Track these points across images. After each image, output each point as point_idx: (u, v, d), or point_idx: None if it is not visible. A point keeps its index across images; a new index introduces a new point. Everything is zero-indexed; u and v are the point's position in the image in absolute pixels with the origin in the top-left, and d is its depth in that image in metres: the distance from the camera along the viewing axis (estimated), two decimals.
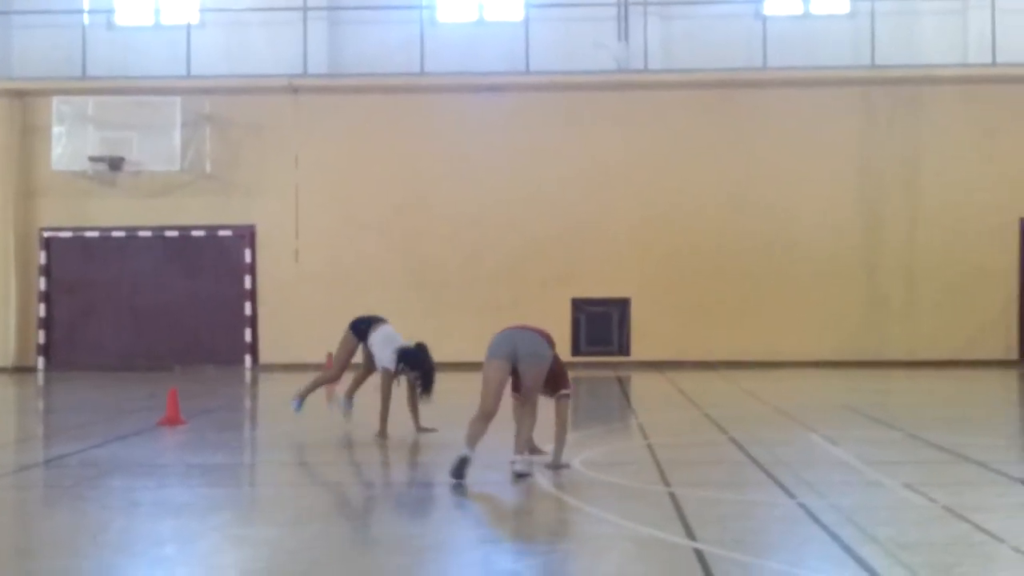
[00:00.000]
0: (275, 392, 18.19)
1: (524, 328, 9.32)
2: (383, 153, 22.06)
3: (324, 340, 20.71)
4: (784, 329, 21.56)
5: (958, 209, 21.51)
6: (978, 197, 21.46)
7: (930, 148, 21.68)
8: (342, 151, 22.12)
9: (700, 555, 6.27)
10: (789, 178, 21.70)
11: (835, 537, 6.69)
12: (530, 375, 9.01)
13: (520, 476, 8.77)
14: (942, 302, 21.53)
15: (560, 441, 9.25)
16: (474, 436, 8.82)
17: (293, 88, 22.05)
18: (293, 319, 21.87)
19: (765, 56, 21.86)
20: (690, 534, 6.83)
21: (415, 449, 10.80)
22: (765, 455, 9.76)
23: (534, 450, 9.30)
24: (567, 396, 9.29)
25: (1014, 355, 21.47)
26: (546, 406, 9.25)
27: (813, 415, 13.11)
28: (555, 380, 9.21)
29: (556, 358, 9.23)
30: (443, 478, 8.88)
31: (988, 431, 12.27)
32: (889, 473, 8.87)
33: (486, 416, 8.88)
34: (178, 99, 21.52)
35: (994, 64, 21.63)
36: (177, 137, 21.50)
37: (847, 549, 6.39)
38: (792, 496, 8.02)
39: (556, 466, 9.17)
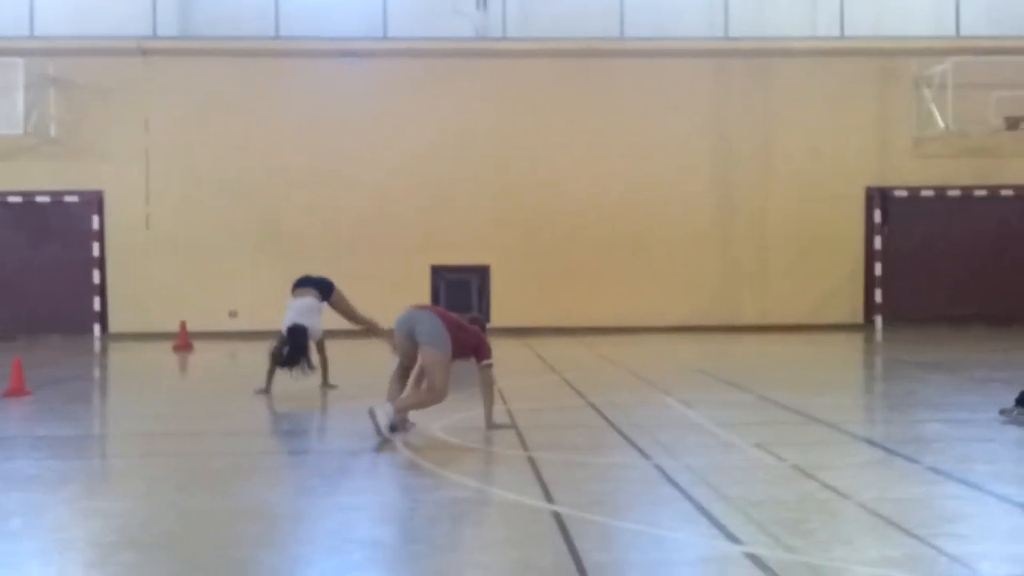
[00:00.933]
0: (125, 361, 17.73)
1: (422, 309, 9.49)
2: (237, 118, 21.61)
3: (177, 308, 20.37)
4: (641, 295, 21.89)
5: (808, 177, 22.11)
6: (827, 166, 22.10)
7: (781, 118, 22.20)
8: (194, 115, 21.59)
9: (558, 517, 6.32)
10: (645, 147, 21.99)
11: (689, 497, 6.82)
12: (425, 358, 9.14)
13: (376, 423, 8.80)
14: (792, 268, 22.14)
15: (488, 405, 9.33)
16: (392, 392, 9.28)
17: (142, 50, 21.42)
18: (144, 287, 21.33)
19: (622, 26, 22.06)
20: (548, 497, 6.88)
21: (278, 419, 10.63)
22: (622, 419, 9.89)
23: (404, 421, 9.23)
24: (489, 366, 9.34)
25: (860, 319, 22.22)
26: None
27: (668, 379, 13.35)
28: (476, 352, 9.29)
29: (474, 332, 9.30)
30: (299, 446, 8.77)
31: (835, 392, 12.68)
32: (741, 434, 9.08)
33: (403, 370, 9.38)
34: (21, 61, 20.67)
35: (842, 37, 22.25)
36: (20, 100, 20.66)
37: (700, 508, 6.52)
38: (648, 458, 8.15)
39: (493, 426, 9.27)
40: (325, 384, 12.48)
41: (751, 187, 22.29)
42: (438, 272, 21.81)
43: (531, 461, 8.07)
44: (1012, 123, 21.53)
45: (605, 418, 10.06)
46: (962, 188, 22.24)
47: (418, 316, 9.32)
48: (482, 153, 21.82)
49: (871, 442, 9.04)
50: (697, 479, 7.36)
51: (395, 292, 18.76)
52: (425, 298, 21.23)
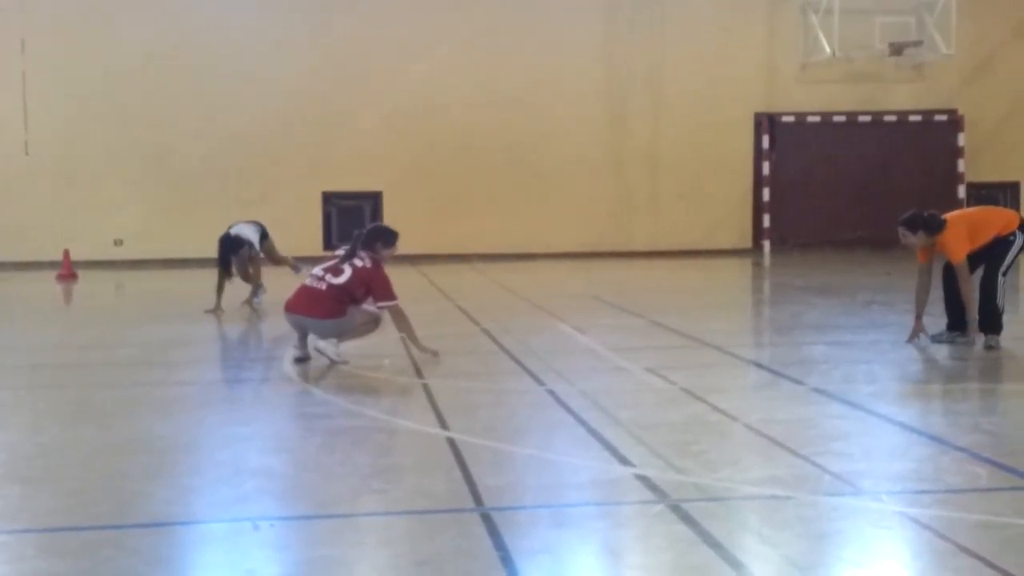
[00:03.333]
0: (6, 292, 17.25)
1: (296, 314, 9.02)
2: (119, 39, 20.89)
3: (59, 236, 19.80)
4: (535, 222, 21.92)
5: (698, 103, 22.24)
6: (716, 92, 22.24)
7: (672, 43, 22.23)
8: (74, 36, 20.82)
9: (452, 443, 6.35)
10: (538, 72, 21.87)
11: (581, 421, 6.90)
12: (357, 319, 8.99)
13: (327, 355, 8.77)
14: (684, 194, 22.34)
15: (410, 336, 9.05)
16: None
17: None
18: (25, 215, 20.66)
19: None
20: (443, 424, 6.90)
21: (168, 348, 10.46)
22: (516, 345, 9.95)
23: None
24: (387, 308, 9.00)
25: (748, 244, 22.59)
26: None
27: (562, 305, 13.43)
28: (371, 295, 8.96)
29: (366, 276, 8.87)
30: (191, 376, 8.67)
31: (724, 316, 12.92)
32: (632, 359, 9.20)
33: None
34: None
35: None
36: None
37: (592, 432, 6.60)
38: (541, 383, 8.22)
39: (423, 350, 9.03)
40: (248, 301, 12.92)
41: (643, 112, 22.37)
42: (329, 199, 21.55)
43: (425, 388, 8.08)
44: (896, 49, 21.89)
45: (499, 344, 10.11)
46: (847, 114, 22.59)
47: (305, 324, 8.96)
48: (372, 76, 21.47)
49: (759, 365, 9.25)
50: (589, 404, 7.45)
51: (286, 219, 18.49)
52: (316, 225, 21.05)
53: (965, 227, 9.37)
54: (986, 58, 22.79)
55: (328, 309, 8.87)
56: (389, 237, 9.25)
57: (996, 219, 9.58)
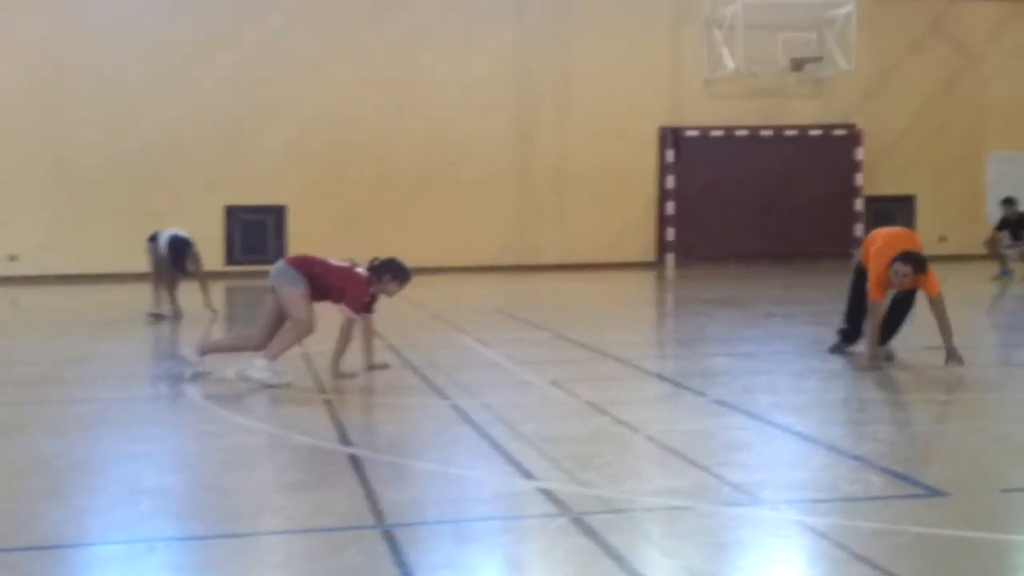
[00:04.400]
0: None
1: (284, 259, 9.23)
2: (18, 47, 20.43)
3: None
4: (442, 235, 21.87)
5: (604, 118, 22.42)
6: (622, 106, 22.44)
7: (578, 59, 22.40)
8: None
9: (355, 459, 6.29)
10: (446, 86, 21.88)
11: (485, 435, 6.88)
12: (282, 299, 8.84)
13: (258, 381, 8.54)
14: (590, 207, 22.49)
15: (337, 353, 8.96)
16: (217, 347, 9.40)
17: None
18: None
19: None
20: (345, 439, 6.84)
21: (65, 365, 10.22)
22: (420, 359, 9.91)
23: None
24: (347, 315, 8.90)
25: (652, 256, 22.81)
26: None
27: (467, 319, 13.43)
28: (343, 298, 8.89)
29: (352, 278, 8.91)
30: (87, 394, 8.48)
31: (628, 329, 13.01)
32: (537, 372, 9.22)
33: (244, 338, 9.24)
34: None
35: None
36: None
37: (496, 446, 6.59)
38: (445, 398, 8.19)
39: (337, 374, 8.90)
40: (207, 305, 13.69)
41: (550, 126, 22.49)
42: (233, 212, 21.27)
43: (327, 404, 8.01)
44: (797, 64, 22.32)
45: (403, 358, 10.05)
46: (750, 128, 22.96)
47: (273, 268, 9.10)
48: (278, 87, 21.28)
49: (661, 377, 9.33)
50: (493, 417, 7.44)
51: (188, 233, 18.19)
52: (218, 239, 20.76)
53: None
54: (884, 73, 23.34)
55: (302, 262, 8.99)
56: (402, 274, 9.25)
57: (913, 237, 9.64)
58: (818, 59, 22.39)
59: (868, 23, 22.45)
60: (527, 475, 5.95)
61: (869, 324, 9.28)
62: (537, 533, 5.07)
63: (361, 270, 9.08)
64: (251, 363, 8.70)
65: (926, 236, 23.20)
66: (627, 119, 22.50)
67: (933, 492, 5.52)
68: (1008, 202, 18.07)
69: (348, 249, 21.15)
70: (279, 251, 21.43)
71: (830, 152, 23.20)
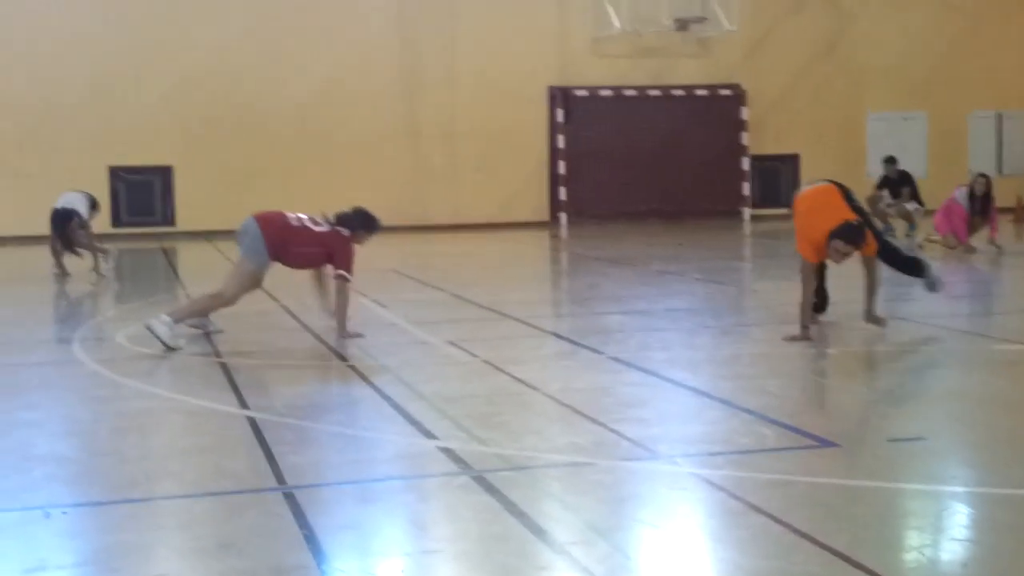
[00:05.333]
0: None
1: (258, 216, 9.06)
2: None
3: None
4: (332, 195, 21.30)
5: (493, 77, 22.38)
6: (511, 65, 22.43)
7: (465, 17, 22.27)
8: None
9: (253, 423, 6.24)
10: (331, 43, 21.60)
11: (385, 396, 6.88)
12: (237, 262, 8.89)
13: (158, 336, 8.37)
14: (481, 167, 22.47)
15: (339, 316, 8.92)
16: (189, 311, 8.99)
17: None
18: None
19: None
20: (243, 403, 6.78)
21: None
22: (317, 321, 9.82)
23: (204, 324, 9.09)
24: (340, 277, 8.86)
25: (546, 216, 22.92)
26: None
27: (363, 280, 13.22)
28: (330, 260, 8.93)
29: (331, 239, 8.89)
30: None
31: (523, 288, 13.08)
32: (434, 332, 9.23)
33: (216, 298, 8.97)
34: None
35: None
36: None
37: (396, 407, 6.60)
38: (343, 359, 8.16)
39: (346, 335, 8.83)
40: (96, 268, 13.74)
41: (438, 85, 22.37)
42: (116, 173, 20.77)
43: (224, 367, 7.91)
44: (682, 24, 22.52)
45: (299, 321, 9.98)
46: (638, 87, 23.14)
47: (244, 226, 8.95)
48: (158, 43, 20.71)
49: (558, 335, 9.40)
50: (393, 378, 7.44)
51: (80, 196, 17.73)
52: (103, 200, 20.26)
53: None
54: (766, 34, 23.69)
55: (279, 236, 8.79)
56: (373, 225, 9.19)
57: (835, 199, 8.93)
58: (702, 19, 22.62)
59: None
60: (428, 435, 5.97)
61: (803, 289, 8.59)
62: (439, 492, 5.10)
63: (330, 228, 8.97)
64: (157, 316, 8.58)
65: None
66: (516, 79, 22.50)
67: (824, 443, 5.68)
68: (889, 161, 18.53)
69: (237, 209, 20.92)
70: (167, 213, 21.05)
71: (716, 112, 23.51)
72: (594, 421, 6.19)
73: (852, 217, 8.52)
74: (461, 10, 22.27)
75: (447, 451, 5.64)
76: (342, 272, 8.85)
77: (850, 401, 7.03)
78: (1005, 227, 18.82)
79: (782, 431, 5.93)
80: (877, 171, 19.66)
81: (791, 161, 24.27)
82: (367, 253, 16.39)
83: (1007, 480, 5.09)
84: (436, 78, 22.32)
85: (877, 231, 9.11)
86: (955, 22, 24.48)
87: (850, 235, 8.31)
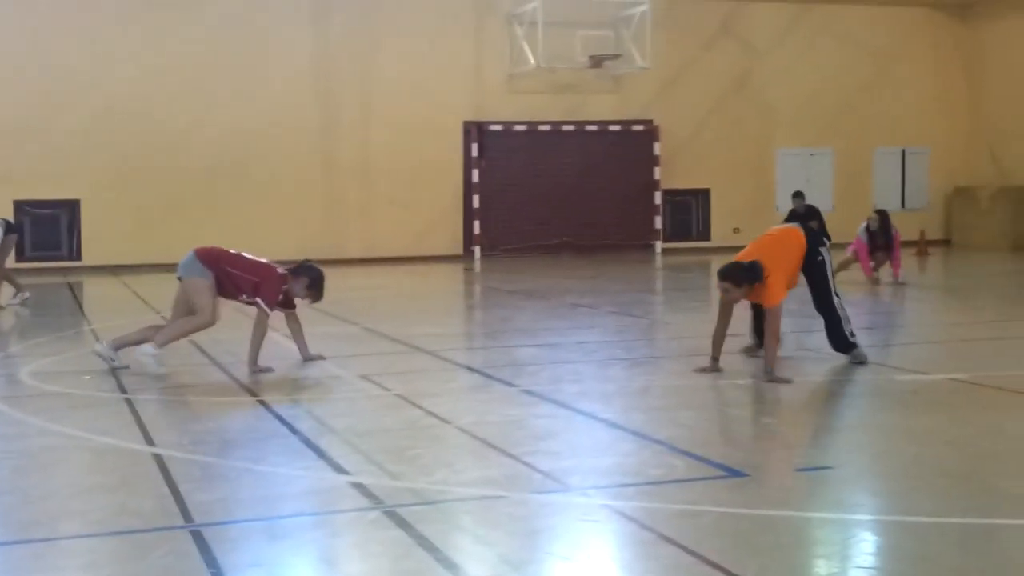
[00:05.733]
0: None
1: (194, 250, 9.17)
2: None
3: None
4: (245, 228, 21.44)
5: (408, 112, 22.42)
6: (426, 100, 22.51)
7: (381, 52, 22.34)
8: None
9: (160, 460, 6.13)
10: (247, 78, 21.49)
11: (295, 431, 6.81)
12: (187, 289, 8.98)
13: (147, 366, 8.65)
14: (396, 201, 22.44)
15: (253, 349, 8.89)
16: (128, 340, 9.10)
17: None
18: None
19: None
20: (148, 439, 6.65)
21: None
22: (225, 355, 9.71)
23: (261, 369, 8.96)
24: (260, 310, 8.90)
25: (459, 249, 22.94)
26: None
27: (274, 314, 13.16)
28: (256, 292, 8.92)
29: (264, 273, 8.96)
30: None
31: (437, 322, 13.05)
32: (346, 366, 9.17)
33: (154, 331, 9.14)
34: None
35: None
36: None
37: (306, 441, 6.53)
38: (253, 395, 8.05)
39: (254, 369, 8.83)
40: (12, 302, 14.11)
41: (354, 119, 22.34)
42: (22, 207, 20.36)
43: (129, 404, 7.76)
44: (596, 61, 22.80)
45: (208, 355, 9.84)
46: (552, 123, 23.33)
47: (182, 259, 9.06)
48: (71, 78, 20.48)
49: (471, 368, 9.39)
50: (303, 413, 7.37)
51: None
52: None
53: (783, 271, 8.48)
54: (679, 71, 24.06)
55: (215, 266, 8.90)
56: (317, 286, 9.19)
57: (788, 242, 8.75)
58: (615, 56, 22.91)
59: (663, 22, 23.12)
60: (339, 470, 5.91)
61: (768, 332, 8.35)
62: (350, 527, 5.05)
63: (267, 261, 9.14)
64: (140, 348, 8.78)
65: (721, 228, 24.28)
66: (432, 114, 22.57)
67: (733, 473, 5.73)
68: (797, 195, 18.88)
69: (147, 244, 20.70)
70: (73, 248, 20.68)
71: (629, 146, 23.80)
72: (506, 454, 6.19)
73: (771, 262, 8.42)
74: (378, 46, 22.29)
75: (358, 486, 5.58)
76: (263, 306, 8.87)
77: (759, 431, 7.11)
78: (909, 260, 19.28)
79: (692, 461, 5.98)
80: (786, 205, 20.01)
81: (703, 195, 24.62)
82: None
83: (912, 508, 5.18)
84: (352, 113, 22.29)
85: (827, 295, 8.83)
86: (862, 62, 25.10)
87: (726, 273, 8.35)
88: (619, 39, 23.07)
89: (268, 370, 8.85)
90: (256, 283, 8.93)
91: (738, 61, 24.60)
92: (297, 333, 9.33)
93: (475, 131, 22.80)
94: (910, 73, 25.54)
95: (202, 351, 10.06)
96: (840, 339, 8.93)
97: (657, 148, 23.76)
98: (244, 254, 9.14)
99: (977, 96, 25.78)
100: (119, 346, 9.04)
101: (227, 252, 9.10)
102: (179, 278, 9.10)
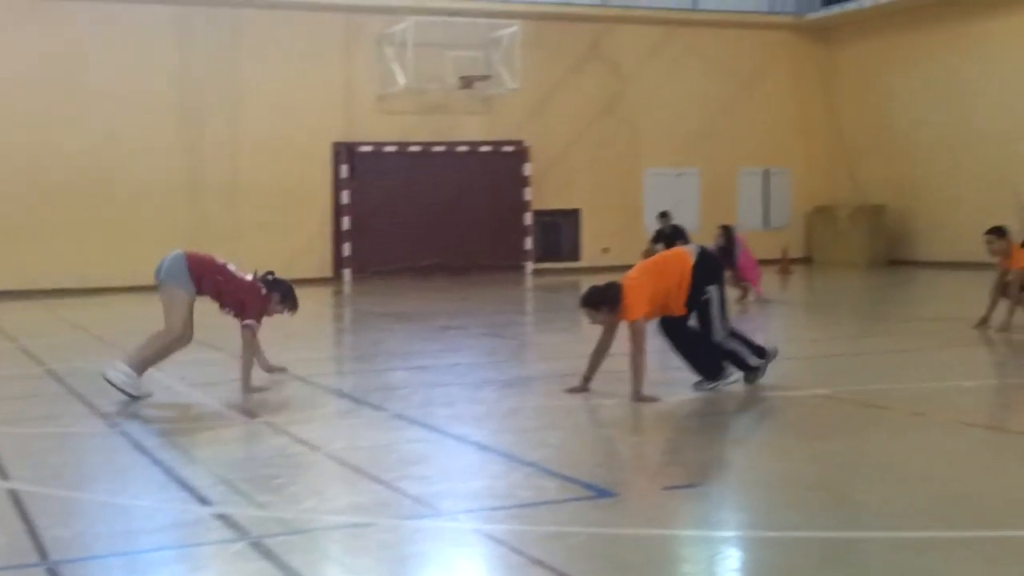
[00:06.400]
0: None
1: (174, 252, 9.03)
2: None
3: None
4: (106, 254, 20.94)
5: (277, 132, 22.17)
6: (295, 121, 22.28)
7: (248, 72, 22.05)
8: None
9: (14, 495, 5.89)
10: (107, 95, 20.98)
11: (157, 462, 6.63)
12: (162, 296, 8.84)
13: (120, 388, 8.50)
14: (265, 223, 22.13)
15: (243, 368, 8.97)
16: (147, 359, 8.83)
17: None
18: None
19: None
20: (2, 473, 6.40)
21: None
22: (85, 386, 9.40)
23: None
24: (247, 327, 8.93)
25: (329, 272, 22.72)
26: None
27: (135, 340, 12.85)
28: (239, 307, 8.96)
29: (247, 287, 8.97)
30: None
31: (305, 346, 12.86)
32: (212, 393, 8.98)
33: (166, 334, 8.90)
34: None
35: None
36: None
37: (169, 472, 6.36)
38: (113, 425, 7.82)
39: (250, 390, 8.89)
40: None
41: (221, 141, 21.99)
42: None
43: None
44: (467, 82, 22.87)
45: (66, 386, 9.53)
46: (423, 143, 23.30)
47: (166, 259, 8.90)
48: None
49: (340, 393, 9.29)
50: (166, 443, 7.18)
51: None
52: None
53: (648, 289, 8.41)
54: (548, 92, 24.27)
55: (198, 260, 8.84)
56: (291, 302, 9.33)
57: (668, 264, 8.68)
58: (486, 77, 23.02)
59: (532, 43, 23.31)
60: (203, 501, 5.76)
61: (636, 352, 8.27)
62: (214, 560, 4.92)
63: (252, 279, 9.15)
64: (111, 363, 8.62)
65: (591, 248, 24.52)
66: (301, 134, 22.35)
67: (602, 493, 5.76)
68: (663, 215, 19.17)
69: (4, 269, 20.00)
70: None
71: (500, 167, 23.90)
72: (376, 480, 6.12)
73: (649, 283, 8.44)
74: (245, 65, 22.00)
75: (223, 517, 5.45)
76: (250, 322, 8.89)
77: (627, 451, 7.17)
78: (772, 278, 19.73)
79: (562, 483, 5.99)
80: (654, 225, 20.31)
81: (573, 216, 24.84)
82: (140, 311, 15.93)
83: (776, 523, 5.27)
84: (219, 133, 21.94)
85: (707, 334, 8.66)
86: (726, 84, 25.67)
87: (585, 300, 8.44)
88: (489, 60, 23.19)
89: (265, 388, 9.00)
90: (243, 301, 8.92)
91: (607, 83, 24.92)
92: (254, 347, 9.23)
93: (345, 152, 22.64)
94: (772, 95, 26.22)
95: (60, 381, 9.75)
96: (707, 368, 8.68)
97: (527, 169, 23.92)
98: (230, 266, 9.08)
99: (835, 117, 26.58)
100: (141, 369, 8.80)
101: (216, 262, 9.03)
102: (159, 280, 8.86)
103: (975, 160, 22.94)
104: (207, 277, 8.87)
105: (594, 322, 8.52)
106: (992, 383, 9.82)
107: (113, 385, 8.50)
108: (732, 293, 16.01)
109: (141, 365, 8.68)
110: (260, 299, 9.02)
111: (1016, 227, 17.32)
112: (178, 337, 8.82)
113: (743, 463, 6.65)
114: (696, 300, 8.58)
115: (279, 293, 9.17)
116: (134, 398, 8.48)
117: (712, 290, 8.62)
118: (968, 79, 23.09)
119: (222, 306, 9.04)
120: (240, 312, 8.94)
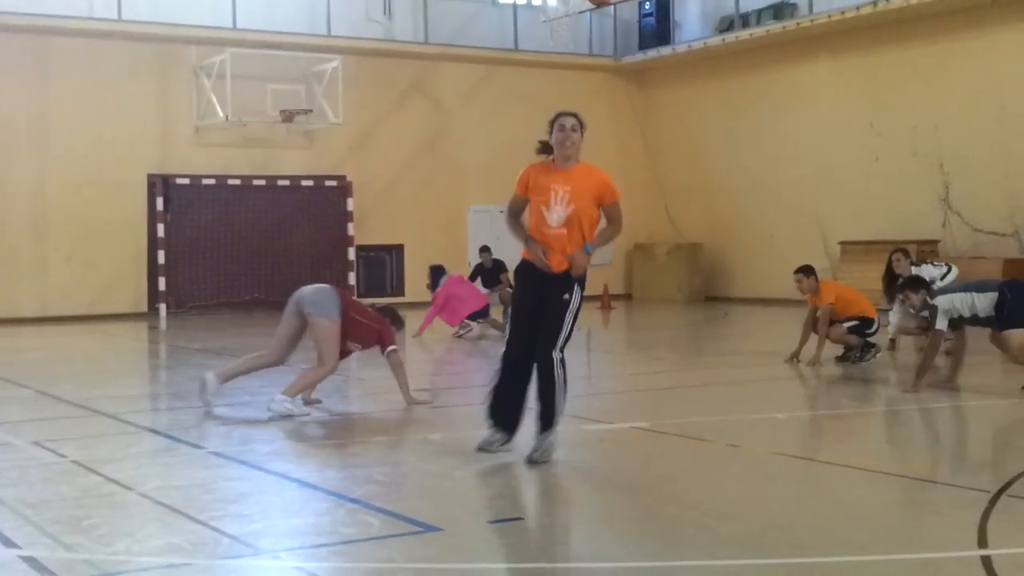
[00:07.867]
0: None
1: (320, 285, 9.63)
2: None
3: None
4: None
5: (88, 163, 21.51)
6: (107, 152, 21.67)
7: (59, 101, 21.35)
8: None
9: None
10: None
11: None
12: (313, 331, 9.31)
13: (273, 413, 9.07)
14: (74, 256, 21.38)
15: (402, 384, 9.56)
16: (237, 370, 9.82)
17: None
18: None
19: None
20: None
21: None
22: None
23: (308, 401, 9.65)
24: (394, 351, 9.50)
25: (144, 307, 22.06)
26: None
27: None
28: (380, 339, 9.49)
29: (377, 318, 9.52)
30: None
31: (118, 383, 12.46)
32: (17, 432, 8.58)
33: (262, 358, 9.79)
34: None
35: (120, 20, 21.80)
36: None
37: None
38: None
39: (412, 401, 9.56)
40: None
41: (28, 172, 21.18)
42: None
43: None
44: (287, 116, 22.61)
45: None
46: (242, 177, 22.91)
47: (307, 288, 9.46)
48: None
49: (155, 431, 8.98)
50: None
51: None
52: None
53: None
54: (371, 128, 24.23)
55: (346, 305, 9.39)
56: (400, 323, 9.91)
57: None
58: (307, 112, 22.82)
59: (354, 79, 23.24)
60: (8, 544, 5.46)
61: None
62: None
63: (377, 313, 9.78)
64: (272, 398, 9.19)
65: (415, 283, 24.48)
66: (113, 166, 21.72)
67: (427, 528, 5.70)
68: (484, 250, 19.29)
69: None
70: None
71: (322, 202, 23.71)
72: (193, 519, 5.91)
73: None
74: (51, 94, 21.27)
75: (29, 560, 5.18)
76: (393, 348, 9.52)
77: (452, 485, 7.12)
78: (594, 315, 20.05)
79: (387, 518, 5.90)
80: (476, 260, 20.39)
81: (397, 251, 24.79)
82: None
83: (600, 555, 5.31)
84: (25, 164, 21.13)
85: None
86: (543, 122, 25.99)
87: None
88: (311, 94, 22.99)
89: (428, 402, 9.77)
90: (380, 331, 9.52)
91: (429, 119, 25.01)
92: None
93: (161, 184, 22.07)
94: (592, 136, 26.32)
95: None
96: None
97: (350, 204, 23.76)
98: (361, 301, 9.87)
99: (653, 157, 27.29)
100: (228, 377, 9.72)
101: (354, 300, 9.90)
102: (306, 312, 9.28)
103: (787, 201, 23.86)
104: (350, 312, 9.41)
105: None
106: (804, 415, 10.17)
107: (279, 412, 9.11)
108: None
109: (294, 393, 9.35)
110: (389, 327, 9.65)
111: (823, 266, 18.06)
112: (332, 370, 9.51)
113: (566, 495, 6.69)
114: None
115: (389, 318, 9.77)
116: (296, 415, 9.15)
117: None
118: (779, 122, 24.06)
119: (351, 339, 9.50)
120: (380, 342, 9.55)
